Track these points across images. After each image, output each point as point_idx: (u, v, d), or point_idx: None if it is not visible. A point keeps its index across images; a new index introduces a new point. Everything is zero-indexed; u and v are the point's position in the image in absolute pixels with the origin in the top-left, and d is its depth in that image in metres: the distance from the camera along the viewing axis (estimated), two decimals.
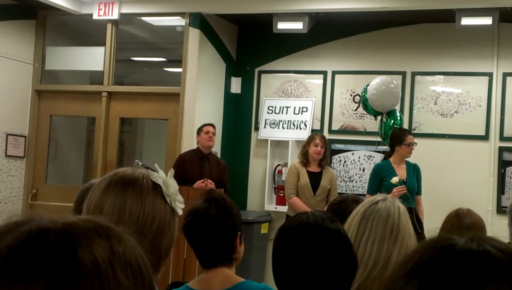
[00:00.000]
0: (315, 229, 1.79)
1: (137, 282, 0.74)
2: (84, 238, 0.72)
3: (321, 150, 6.54)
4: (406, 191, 5.86)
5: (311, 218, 1.82)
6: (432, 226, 3.52)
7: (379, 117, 6.66)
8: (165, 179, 1.60)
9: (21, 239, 0.70)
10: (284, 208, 7.36)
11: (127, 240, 0.76)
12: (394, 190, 5.80)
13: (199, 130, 6.78)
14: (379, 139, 6.71)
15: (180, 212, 1.61)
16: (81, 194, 2.53)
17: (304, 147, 6.66)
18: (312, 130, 7.47)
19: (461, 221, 3.39)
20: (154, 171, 1.62)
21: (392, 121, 6.54)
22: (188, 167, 6.49)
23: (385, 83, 6.54)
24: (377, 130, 6.69)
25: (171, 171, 1.63)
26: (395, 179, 5.95)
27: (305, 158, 6.60)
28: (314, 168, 6.61)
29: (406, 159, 6.21)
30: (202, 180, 6.37)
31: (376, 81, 6.56)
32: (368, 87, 6.57)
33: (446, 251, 0.75)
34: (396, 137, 6.19)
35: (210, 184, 6.32)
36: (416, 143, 6.17)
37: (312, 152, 6.55)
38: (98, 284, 0.70)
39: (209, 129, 6.73)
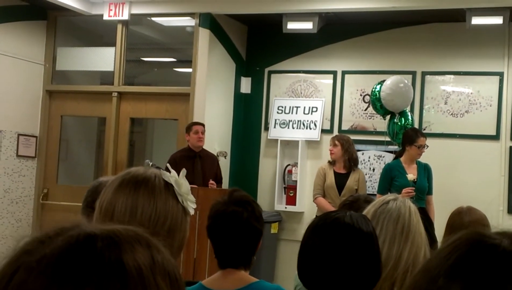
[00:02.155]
0: (347, 229, 1.81)
1: None
2: (128, 245, 0.74)
3: (333, 150, 6.67)
4: (413, 193, 5.85)
5: (347, 218, 1.83)
6: (442, 226, 3.52)
7: (387, 117, 6.66)
8: (177, 178, 1.60)
9: (70, 243, 0.73)
10: (294, 208, 7.41)
11: (164, 251, 0.79)
12: (403, 191, 5.79)
13: (189, 129, 6.73)
14: (388, 139, 6.71)
15: (192, 211, 1.62)
16: (89, 193, 2.54)
17: None
18: (322, 130, 7.49)
19: (462, 219, 3.39)
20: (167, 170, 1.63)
21: (404, 121, 6.55)
22: (180, 168, 6.47)
23: (399, 83, 6.54)
24: (386, 130, 6.69)
25: (183, 171, 1.63)
26: (410, 177, 5.96)
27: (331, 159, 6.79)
28: (340, 169, 6.71)
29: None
30: (212, 182, 6.52)
31: (390, 81, 6.55)
32: (381, 86, 6.55)
33: (489, 251, 0.75)
34: (407, 137, 6.19)
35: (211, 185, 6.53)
36: (427, 146, 6.15)
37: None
38: None
39: (198, 128, 6.69)
